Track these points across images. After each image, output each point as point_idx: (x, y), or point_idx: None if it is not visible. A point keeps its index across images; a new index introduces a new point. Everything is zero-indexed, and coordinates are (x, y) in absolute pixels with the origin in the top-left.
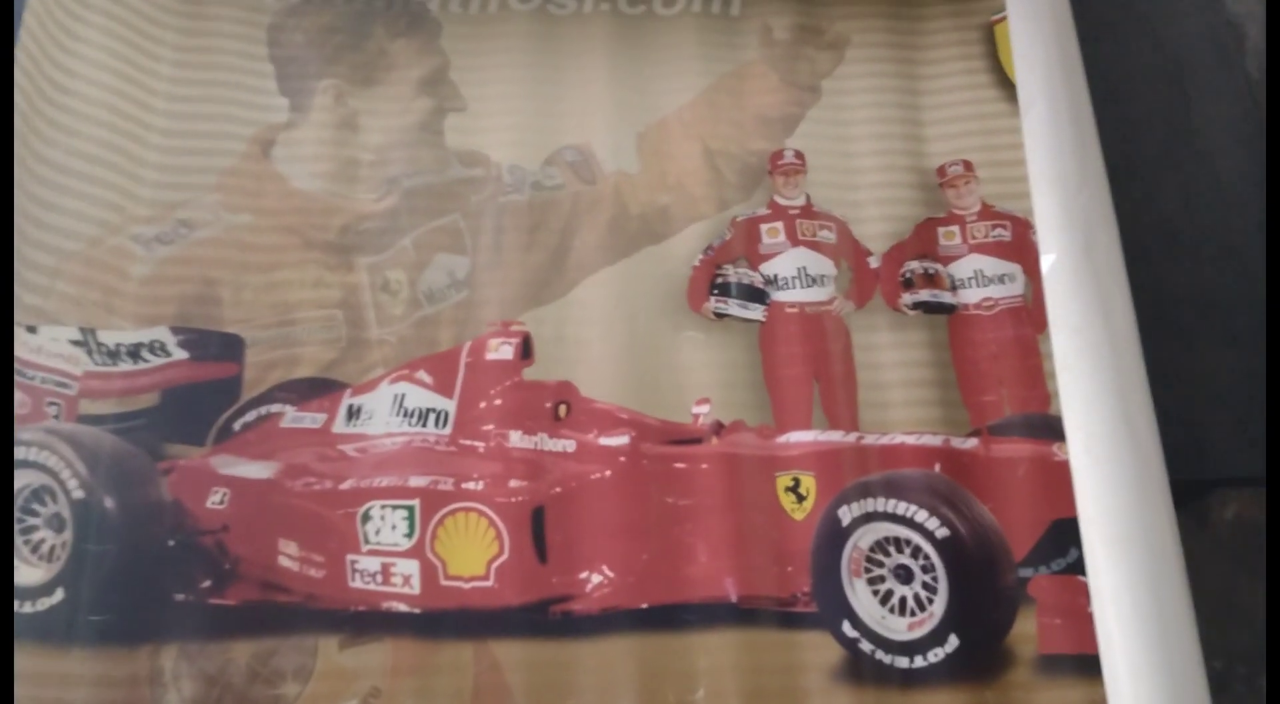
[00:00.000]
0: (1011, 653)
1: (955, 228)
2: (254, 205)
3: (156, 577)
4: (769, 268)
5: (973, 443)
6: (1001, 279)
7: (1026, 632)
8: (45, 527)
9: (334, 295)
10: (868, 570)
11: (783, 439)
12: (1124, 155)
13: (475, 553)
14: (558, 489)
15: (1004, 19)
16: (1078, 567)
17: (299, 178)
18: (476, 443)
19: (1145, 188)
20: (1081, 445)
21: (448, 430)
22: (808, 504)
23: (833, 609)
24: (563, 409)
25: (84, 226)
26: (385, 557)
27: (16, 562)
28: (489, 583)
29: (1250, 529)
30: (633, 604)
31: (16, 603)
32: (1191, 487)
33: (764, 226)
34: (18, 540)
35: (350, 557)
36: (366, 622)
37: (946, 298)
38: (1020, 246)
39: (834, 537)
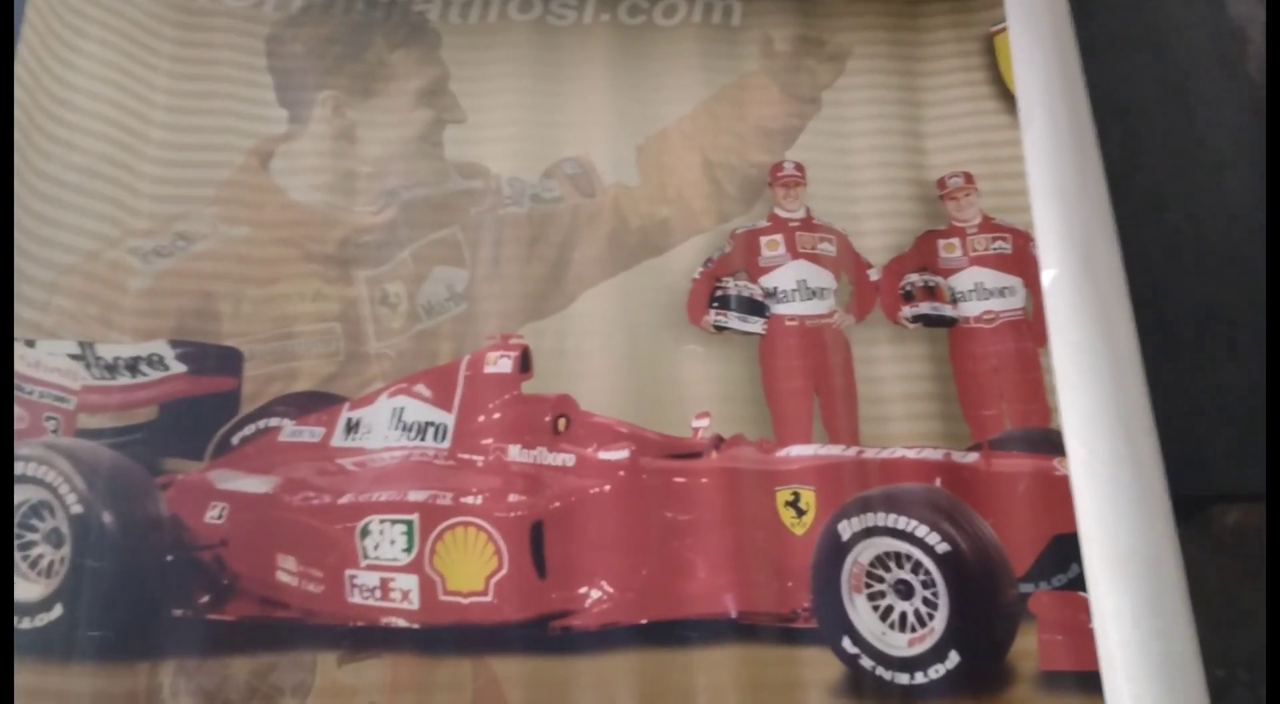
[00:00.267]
0: (1012, 669)
1: (955, 240)
2: (252, 218)
3: (155, 592)
4: (769, 280)
5: (973, 457)
6: (1002, 292)
7: (1027, 648)
8: (44, 542)
9: (333, 308)
10: (868, 586)
11: (783, 453)
12: (1126, 167)
13: (474, 568)
14: (557, 504)
15: (1004, 30)
16: (1079, 582)
17: (297, 190)
18: (475, 457)
19: (1148, 199)
20: (1082, 462)
21: (446, 444)
22: (808, 519)
23: (833, 625)
24: (562, 423)
25: (82, 240)
26: (384, 572)
27: (15, 577)
28: (488, 598)
29: (1252, 533)
30: (632, 620)
31: (15, 619)
32: (1193, 501)
33: (764, 239)
34: (16, 556)
35: (349, 572)
36: (365, 637)
37: (947, 311)
38: (1021, 259)
39: (834, 552)
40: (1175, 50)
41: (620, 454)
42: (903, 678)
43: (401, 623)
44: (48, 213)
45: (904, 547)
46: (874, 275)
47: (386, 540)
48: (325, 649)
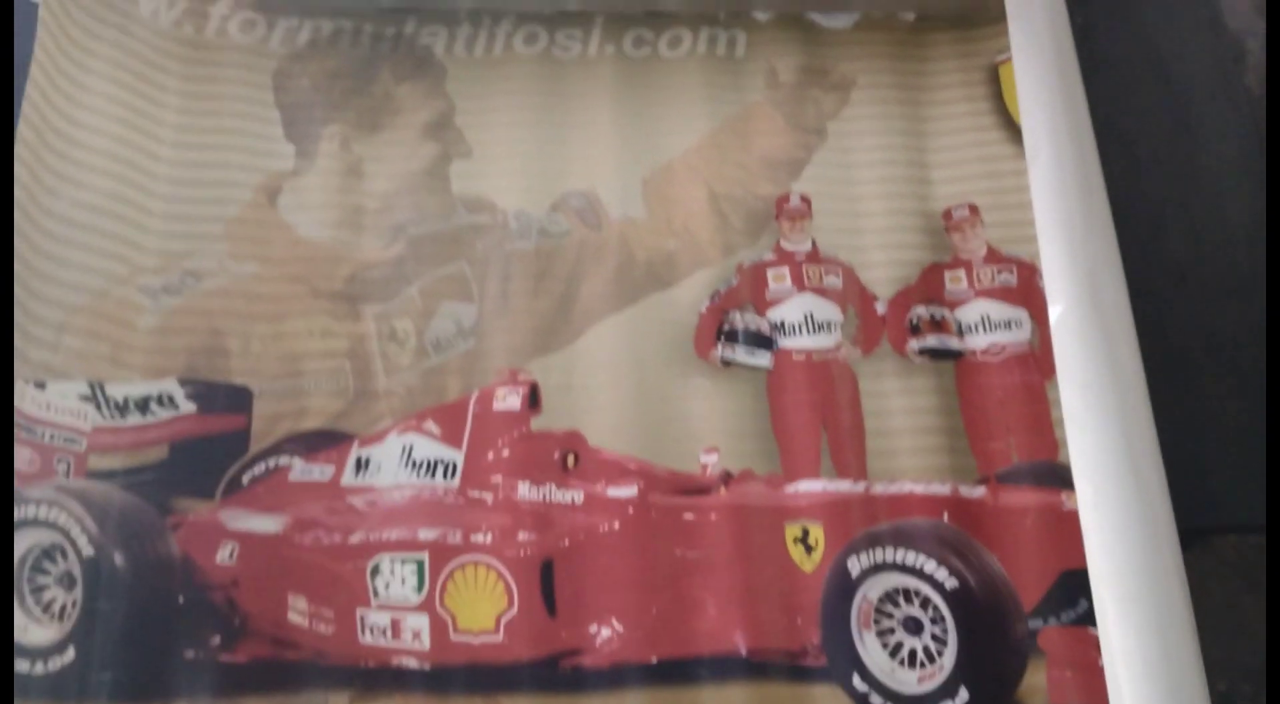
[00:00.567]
0: None
1: (961, 272)
2: (261, 254)
3: (167, 633)
4: (775, 314)
5: (981, 491)
6: (1008, 324)
7: (1037, 684)
8: (56, 585)
9: (341, 345)
10: (877, 622)
11: (791, 489)
12: (1130, 195)
13: (485, 607)
14: (566, 541)
15: (1008, 60)
16: (1088, 618)
17: (305, 226)
18: (485, 494)
19: (1152, 228)
20: (1090, 500)
21: (456, 482)
22: (816, 555)
23: (843, 662)
24: (571, 459)
25: (91, 279)
26: (395, 611)
27: (28, 622)
28: (498, 638)
29: (1254, 548)
30: (642, 658)
31: (28, 663)
32: (1200, 533)
33: (770, 272)
34: (28, 600)
35: (360, 611)
36: (376, 678)
37: (953, 343)
38: (1026, 291)
39: (843, 588)
40: (1177, 76)
41: (629, 491)
42: None
43: (413, 664)
44: (57, 252)
45: (913, 582)
46: (881, 308)
47: (397, 580)
48: (337, 690)
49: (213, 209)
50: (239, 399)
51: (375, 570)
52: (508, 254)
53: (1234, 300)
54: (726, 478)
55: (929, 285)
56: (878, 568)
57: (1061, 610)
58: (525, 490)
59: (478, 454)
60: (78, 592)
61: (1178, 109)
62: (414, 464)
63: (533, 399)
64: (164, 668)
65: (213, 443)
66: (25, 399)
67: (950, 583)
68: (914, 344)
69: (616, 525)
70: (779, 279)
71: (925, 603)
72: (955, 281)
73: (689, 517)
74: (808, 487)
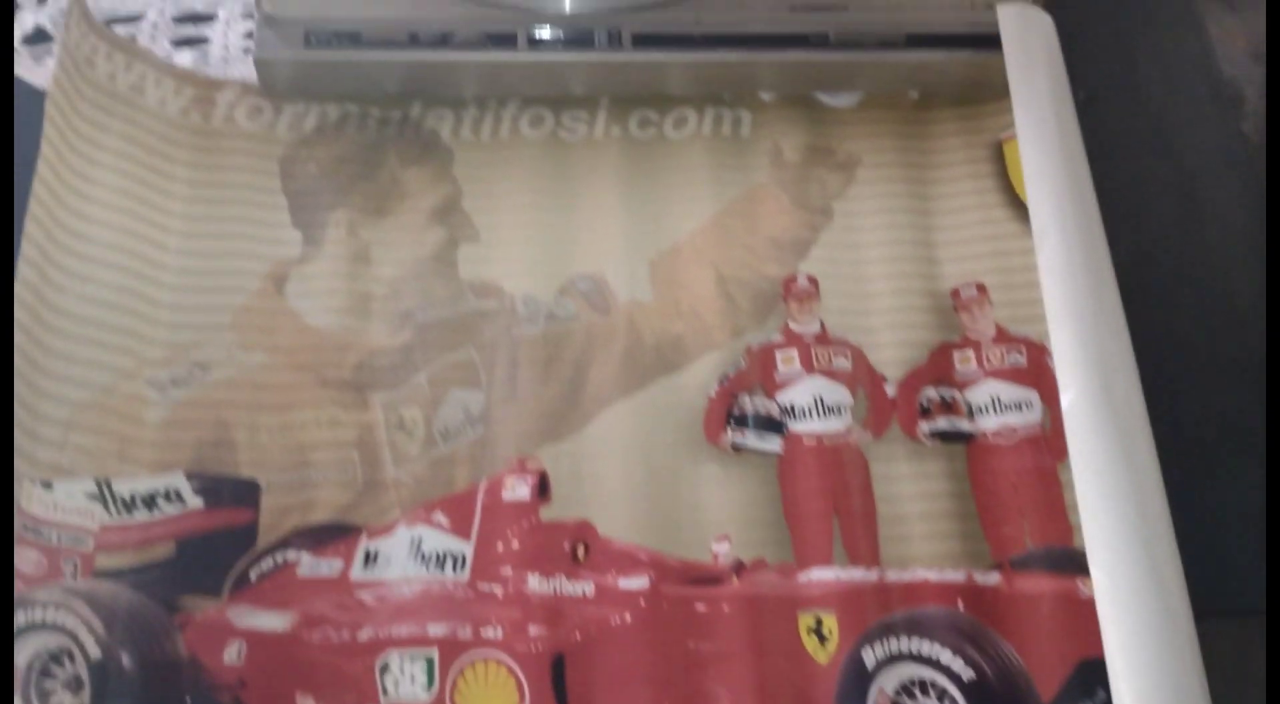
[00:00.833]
0: None
1: (970, 352)
2: (269, 343)
3: None
4: (785, 397)
5: (995, 578)
6: (1019, 406)
7: None
8: (63, 689)
9: (349, 435)
10: None
11: (804, 577)
12: (1139, 274)
13: None
14: (578, 635)
15: (1013, 136)
16: None
17: (313, 313)
18: (495, 587)
19: (1162, 307)
20: (1106, 591)
21: (465, 575)
22: (830, 646)
23: None
24: (581, 550)
25: (98, 375)
26: None
27: None
28: None
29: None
30: None
31: None
32: (1216, 617)
33: (779, 354)
34: None
35: None
36: None
37: (964, 426)
38: (1037, 372)
39: (858, 680)
40: (1181, 147)
41: (640, 582)
42: None
43: None
44: (65, 349)
45: (929, 674)
46: (890, 390)
47: (407, 677)
48: None
49: (220, 298)
50: (246, 493)
51: (385, 668)
52: (515, 339)
53: (1245, 380)
54: (739, 567)
55: (938, 366)
56: (893, 659)
57: (1080, 701)
58: (535, 583)
59: (487, 546)
60: (85, 695)
61: (1183, 181)
62: (423, 557)
63: (542, 488)
64: None
65: (220, 538)
66: (32, 500)
67: (967, 674)
68: (925, 426)
69: (628, 618)
70: (788, 361)
71: (942, 695)
72: (964, 362)
73: (701, 608)
74: (820, 575)
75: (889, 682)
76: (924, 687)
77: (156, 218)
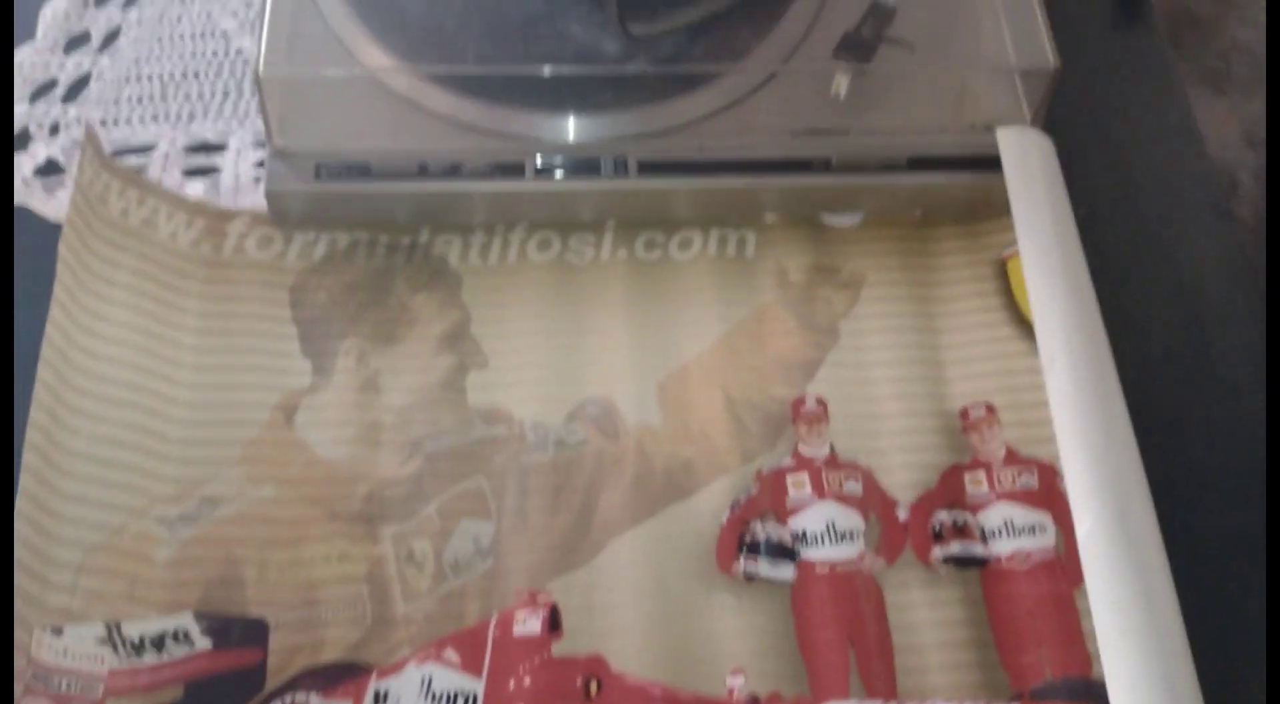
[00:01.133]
0: None
1: (981, 473)
2: (278, 476)
3: None
4: (797, 522)
5: None
6: (1032, 530)
7: None
8: None
9: (359, 570)
10: None
11: None
12: (1147, 395)
13: None
14: None
15: (1015, 254)
16: None
17: (322, 445)
18: None
19: (1170, 429)
20: None
21: None
22: None
23: None
24: (594, 686)
25: (109, 515)
26: None
27: None
28: None
29: None
30: None
31: None
32: None
33: (790, 478)
34: None
35: None
36: None
37: (978, 550)
38: (1048, 494)
39: None
40: (1183, 259)
41: None
42: None
43: None
44: (76, 491)
45: None
46: (902, 514)
47: None
48: None
49: (230, 431)
50: (255, 632)
51: None
52: (525, 467)
53: (1258, 500)
54: (754, 702)
55: (950, 488)
56: None
57: None
58: None
59: (498, 683)
60: None
61: (1186, 297)
62: (434, 696)
63: (553, 622)
64: None
65: (229, 680)
66: (43, 648)
67: None
68: (938, 552)
69: None
70: (799, 486)
71: None
72: (976, 484)
73: None
74: None
75: None
76: None
77: (168, 352)
